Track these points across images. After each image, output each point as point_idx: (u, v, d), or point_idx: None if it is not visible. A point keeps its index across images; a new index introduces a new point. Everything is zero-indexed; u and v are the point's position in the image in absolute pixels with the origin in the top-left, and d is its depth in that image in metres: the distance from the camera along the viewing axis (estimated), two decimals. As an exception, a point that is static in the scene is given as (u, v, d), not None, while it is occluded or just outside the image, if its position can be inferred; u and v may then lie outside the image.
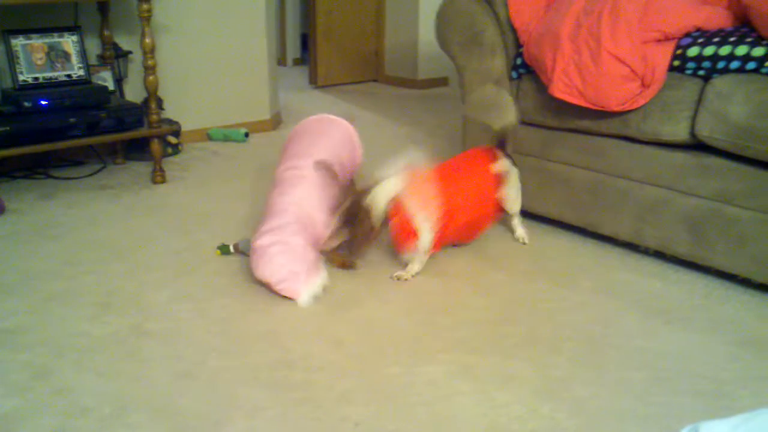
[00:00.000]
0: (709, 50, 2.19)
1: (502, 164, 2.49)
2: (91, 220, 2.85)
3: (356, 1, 6.52)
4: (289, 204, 2.29)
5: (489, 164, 2.46)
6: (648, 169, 2.35)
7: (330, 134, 2.59)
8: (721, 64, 2.16)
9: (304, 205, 2.29)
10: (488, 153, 2.50)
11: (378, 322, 2.05)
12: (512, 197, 2.54)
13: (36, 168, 3.54)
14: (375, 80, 6.89)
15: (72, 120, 3.04)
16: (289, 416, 1.61)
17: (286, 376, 1.76)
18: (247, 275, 2.34)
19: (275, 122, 4.68)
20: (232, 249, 2.51)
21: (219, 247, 2.52)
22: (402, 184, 2.22)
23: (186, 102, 4.14)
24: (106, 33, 3.55)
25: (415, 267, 2.30)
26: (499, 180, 2.47)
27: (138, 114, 3.25)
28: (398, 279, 2.28)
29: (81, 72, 3.28)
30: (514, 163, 2.54)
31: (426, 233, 2.24)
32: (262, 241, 2.18)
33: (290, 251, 2.15)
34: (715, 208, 2.20)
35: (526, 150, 2.72)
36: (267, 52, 4.46)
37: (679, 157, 2.27)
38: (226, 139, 4.26)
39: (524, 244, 2.59)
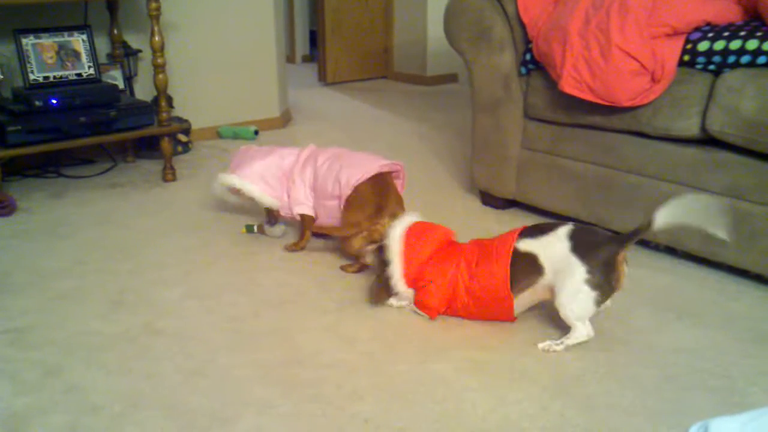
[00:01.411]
0: (719, 45, 2.17)
1: (532, 246, 1.91)
2: (101, 219, 2.86)
3: (365, -3, 6.54)
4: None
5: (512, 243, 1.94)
6: (659, 164, 2.34)
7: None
8: (731, 59, 2.15)
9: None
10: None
11: (387, 319, 2.04)
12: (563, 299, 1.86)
13: (47, 167, 3.56)
14: (384, 77, 6.89)
15: (82, 119, 3.05)
16: (300, 413, 1.61)
17: (296, 374, 1.76)
18: (258, 273, 2.34)
19: (285, 120, 4.69)
20: (255, 229, 2.67)
21: (246, 225, 2.68)
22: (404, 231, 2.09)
23: (196, 100, 4.15)
24: (115, 32, 3.56)
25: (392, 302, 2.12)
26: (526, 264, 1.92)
27: (148, 112, 3.26)
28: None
29: (91, 71, 3.29)
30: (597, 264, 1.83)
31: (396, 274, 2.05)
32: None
33: None
34: (727, 203, 2.18)
35: (536, 146, 2.71)
36: (276, 49, 4.46)
37: (690, 152, 2.26)
38: (236, 136, 4.27)
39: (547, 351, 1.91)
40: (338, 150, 2.51)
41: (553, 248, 1.86)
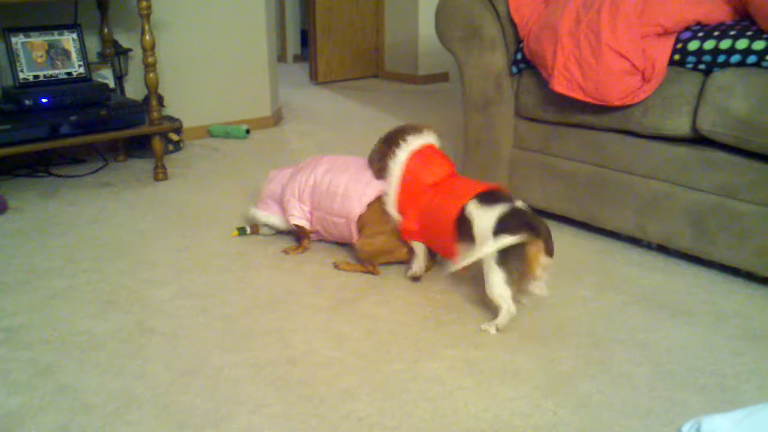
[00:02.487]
0: (709, 44, 2.18)
1: (473, 213, 2.01)
2: (92, 218, 2.85)
3: (356, -4, 6.53)
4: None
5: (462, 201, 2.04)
6: (650, 163, 2.35)
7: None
8: (721, 58, 2.16)
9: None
10: (477, 193, 2.05)
11: (381, 318, 2.05)
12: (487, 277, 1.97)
13: (37, 166, 3.54)
14: (375, 76, 6.89)
15: (73, 118, 3.04)
16: (292, 412, 1.61)
17: (289, 373, 1.76)
18: (250, 272, 2.34)
19: (276, 119, 4.68)
20: (248, 231, 2.66)
21: (237, 228, 2.66)
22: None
23: (187, 99, 4.14)
24: (106, 30, 3.55)
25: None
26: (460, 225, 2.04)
27: (139, 111, 3.25)
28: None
29: (81, 70, 3.28)
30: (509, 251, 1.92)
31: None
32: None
33: None
34: (718, 201, 2.20)
35: (527, 145, 2.72)
36: (267, 48, 4.46)
37: (681, 151, 2.27)
38: (227, 135, 4.26)
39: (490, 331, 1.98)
40: (334, 162, 2.48)
41: (483, 222, 1.96)
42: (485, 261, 1.95)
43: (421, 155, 2.24)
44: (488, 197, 2.02)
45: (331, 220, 2.40)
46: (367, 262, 2.33)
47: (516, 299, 1.97)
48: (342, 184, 2.36)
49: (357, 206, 2.31)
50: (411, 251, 2.28)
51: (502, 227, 1.91)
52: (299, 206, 2.46)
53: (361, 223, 2.32)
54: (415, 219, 2.19)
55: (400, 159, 2.24)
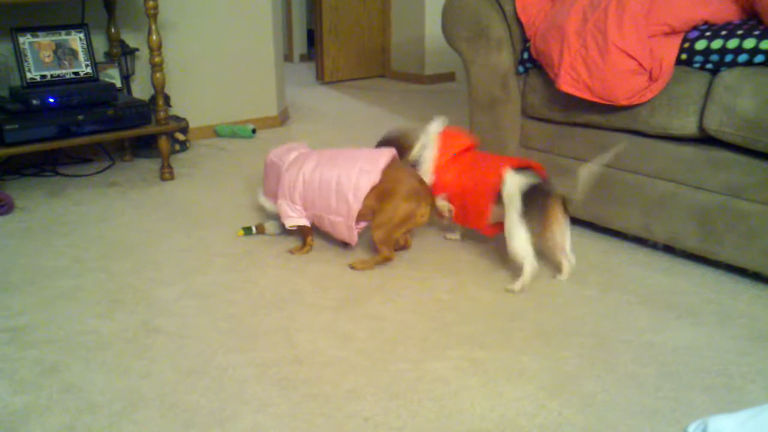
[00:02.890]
0: (716, 43, 2.17)
1: (510, 188, 2.18)
2: (99, 217, 2.86)
3: (362, -4, 6.54)
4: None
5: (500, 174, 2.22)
6: (657, 163, 2.34)
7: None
8: (728, 58, 2.15)
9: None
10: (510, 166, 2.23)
11: (386, 318, 2.05)
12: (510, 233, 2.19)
13: (44, 165, 3.56)
14: (382, 76, 6.89)
15: (80, 117, 3.05)
16: (298, 412, 1.61)
17: (294, 372, 1.76)
18: (256, 271, 2.34)
19: (282, 118, 4.68)
20: (254, 230, 2.65)
21: (243, 228, 2.66)
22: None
23: (193, 99, 4.15)
24: (113, 30, 3.56)
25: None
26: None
27: (145, 111, 3.25)
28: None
29: (88, 69, 3.29)
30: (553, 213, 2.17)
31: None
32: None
33: None
34: (725, 201, 2.19)
35: (534, 145, 2.71)
36: (274, 48, 4.46)
37: (688, 151, 2.26)
38: (234, 135, 4.26)
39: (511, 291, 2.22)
40: (321, 157, 2.45)
41: (511, 184, 2.17)
42: (508, 219, 2.16)
43: (446, 132, 2.51)
44: (520, 169, 2.22)
45: (328, 219, 2.40)
46: (384, 245, 2.32)
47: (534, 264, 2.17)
48: (333, 180, 2.35)
49: (354, 202, 2.31)
50: (433, 210, 2.38)
51: (527, 186, 2.14)
52: (293, 206, 2.45)
53: (369, 206, 2.32)
54: (454, 175, 2.41)
55: (433, 130, 2.49)
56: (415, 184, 2.31)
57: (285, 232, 2.65)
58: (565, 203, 2.16)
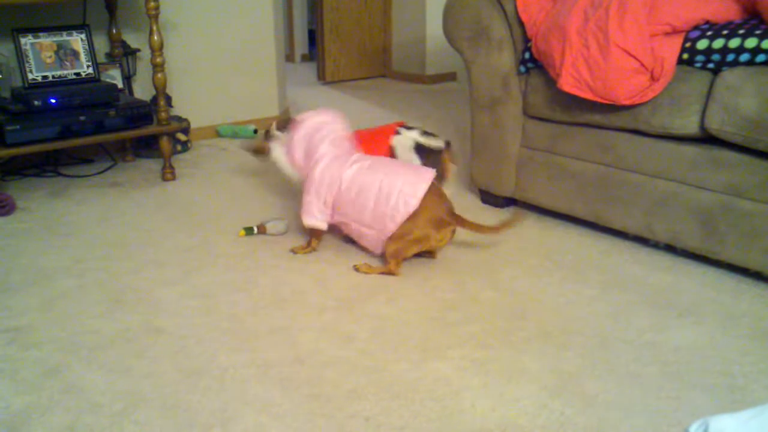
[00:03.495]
0: (718, 43, 2.17)
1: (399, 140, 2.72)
2: (100, 218, 2.86)
3: (364, -4, 6.54)
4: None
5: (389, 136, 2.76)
6: (658, 162, 2.34)
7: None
8: (730, 57, 2.15)
9: None
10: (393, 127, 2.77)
11: (388, 318, 2.04)
12: None
13: (46, 166, 3.56)
14: (383, 76, 6.89)
15: (81, 118, 3.05)
16: (299, 412, 1.61)
17: (295, 372, 1.76)
18: (257, 271, 2.34)
19: (284, 118, 4.68)
20: (255, 230, 2.65)
21: (244, 228, 2.65)
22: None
23: (195, 99, 4.15)
24: (114, 31, 3.56)
25: None
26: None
27: (147, 111, 3.25)
28: None
29: (90, 70, 3.29)
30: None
31: None
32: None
33: None
34: (727, 201, 2.19)
35: (535, 144, 2.71)
36: (275, 48, 4.46)
37: (690, 150, 2.26)
38: (235, 135, 4.27)
39: None
40: (361, 165, 2.39)
41: (403, 141, 2.72)
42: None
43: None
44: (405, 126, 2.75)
45: (357, 228, 2.39)
46: (393, 259, 2.31)
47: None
48: (371, 197, 2.30)
49: (390, 223, 2.28)
50: (440, 239, 2.34)
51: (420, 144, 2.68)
52: (322, 209, 2.42)
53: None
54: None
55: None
56: (440, 213, 2.28)
57: (287, 232, 2.65)
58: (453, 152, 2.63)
